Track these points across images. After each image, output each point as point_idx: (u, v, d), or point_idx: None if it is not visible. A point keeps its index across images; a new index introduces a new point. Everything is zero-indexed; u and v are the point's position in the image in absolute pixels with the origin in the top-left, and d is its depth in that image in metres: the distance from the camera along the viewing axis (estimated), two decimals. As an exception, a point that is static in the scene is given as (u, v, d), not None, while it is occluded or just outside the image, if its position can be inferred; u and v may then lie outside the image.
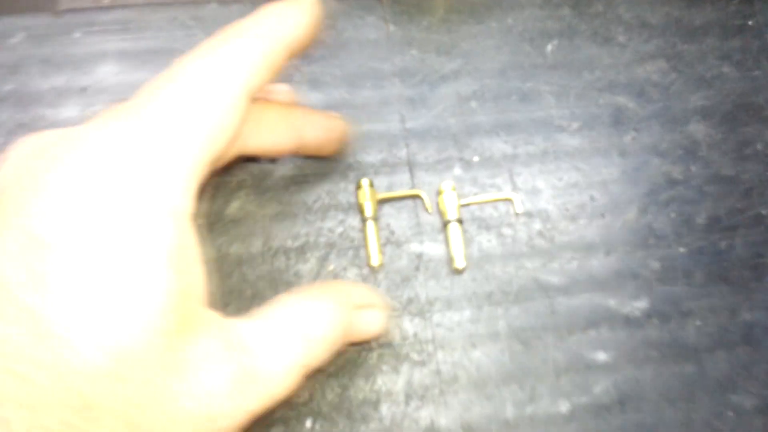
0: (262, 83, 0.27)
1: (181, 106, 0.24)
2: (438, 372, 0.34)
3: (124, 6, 0.40)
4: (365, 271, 0.36)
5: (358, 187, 0.36)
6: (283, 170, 0.37)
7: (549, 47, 0.41)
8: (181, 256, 0.22)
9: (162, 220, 0.22)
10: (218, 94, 0.25)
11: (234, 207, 0.36)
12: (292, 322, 0.26)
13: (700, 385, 0.35)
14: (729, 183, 0.39)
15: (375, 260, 0.35)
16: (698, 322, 0.36)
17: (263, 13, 0.28)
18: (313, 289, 0.29)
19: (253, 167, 0.37)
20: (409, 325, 0.35)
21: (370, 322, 0.31)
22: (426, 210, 0.37)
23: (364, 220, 0.36)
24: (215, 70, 0.25)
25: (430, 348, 0.35)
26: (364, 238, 0.36)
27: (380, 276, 0.36)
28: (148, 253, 0.21)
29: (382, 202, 0.37)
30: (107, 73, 0.38)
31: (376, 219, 0.36)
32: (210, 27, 0.40)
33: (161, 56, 0.39)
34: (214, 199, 0.36)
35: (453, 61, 0.40)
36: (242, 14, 0.40)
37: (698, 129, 0.40)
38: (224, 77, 0.25)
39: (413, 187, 0.37)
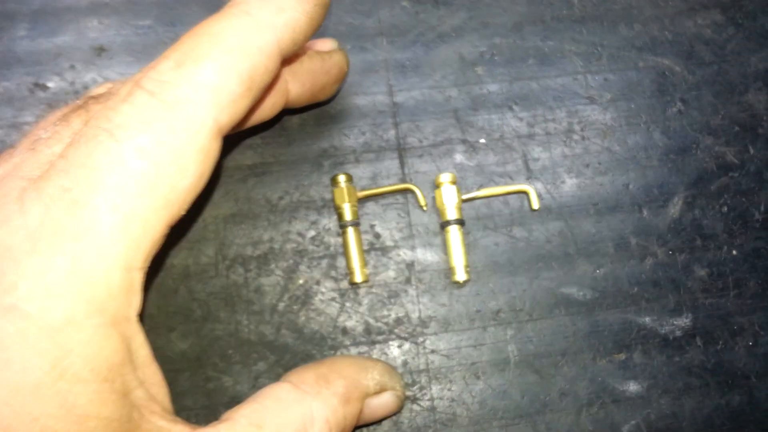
0: (241, 113, 0.19)
1: (116, 172, 0.17)
2: (432, 409, 0.28)
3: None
4: (343, 284, 0.29)
5: (334, 183, 0.29)
6: (240, 158, 0.30)
7: (576, -6, 0.33)
8: (125, 370, 0.18)
9: (97, 334, 0.17)
10: (173, 146, 0.18)
11: (180, 206, 0.29)
12: (280, 428, 0.21)
13: (749, 419, 0.29)
14: (797, 168, 0.32)
15: (358, 276, 0.28)
16: (750, 342, 0.30)
17: (240, 6, 0.19)
18: (311, 376, 0.23)
19: (204, 155, 0.30)
20: (398, 352, 0.29)
21: (383, 407, 0.25)
22: (420, 208, 0.30)
23: (342, 226, 0.29)
24: (170, 112, 0.18)
25: (423, 380, 0.28)
26: (345, 248, 0.29)
27: (362, 291, 0.29)
28: (78, 380, 0.17)
29: (365, 199, 0.29)
30: (19, 37, 0.30)
31: (357, 224, 0.29)
32: (147, -27, 0.31)
33: (85, 16, 0.31)
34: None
35: (455, 15, 0.32)
36: (187, -45, 0.32)
37: (760, 99, 0.32)
38: (184, 120, 0.18)
39: (404, 178, 0.30)
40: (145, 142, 0.18)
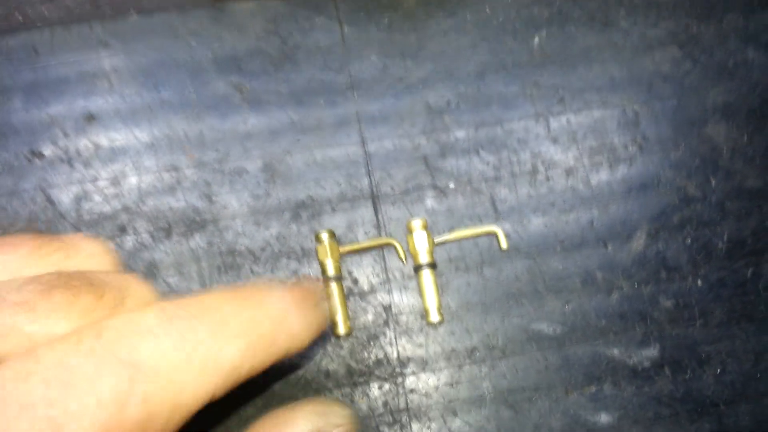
0: None
1: None
2: (412, 446, 0.30)
3: (31, 27, 0.34)
4: (325, 330, 0.31)
5: (318, 240, 0.30)
6: (219, 211, 0.32)
7: (536, 40, 0.34)
8: None
9: None
10: None
11: (162, 257, 0.31)
12: None
13: (721, 444, 0.30)
14: (756, 197, 0.33)
15: (342, 329, 0.30)
16: (717, 370, 0.31)
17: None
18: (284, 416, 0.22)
19: (183, 207, 0.32)
20: (378, 393, 0.30)
21: None
22: (401, 260, 0.31)
23: (325, 280, 0.30)
24: None
25: (404, 418, 0.30)
26: (328, 302, 0.30)
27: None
28: None
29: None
30: (15, 109, 0.33)
31: (340, 278, 0.30)
32: (131, 43, 0.33)
33: (75, 86, 0.33)
34: (135, 249, 0.31)
35: (421, 66, 0.34)
36: (168, 25, 0.34)
37: (719, 131, 0.34)
38: None
39: (378, 224, 0.32)
40: None
